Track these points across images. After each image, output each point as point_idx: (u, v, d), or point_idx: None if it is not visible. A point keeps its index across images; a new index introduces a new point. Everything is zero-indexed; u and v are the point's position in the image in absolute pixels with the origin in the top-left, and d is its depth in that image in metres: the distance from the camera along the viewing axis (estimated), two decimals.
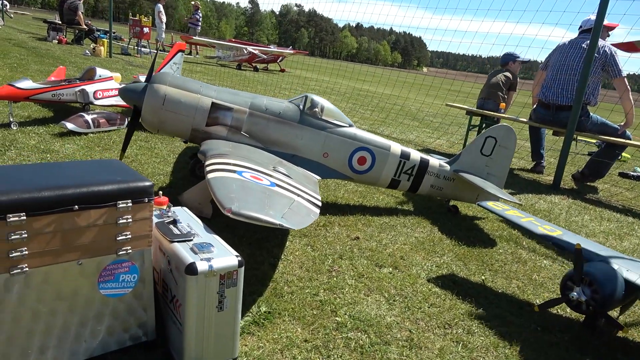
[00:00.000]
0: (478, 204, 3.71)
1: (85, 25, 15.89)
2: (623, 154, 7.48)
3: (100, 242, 1.74)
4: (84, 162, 2.17)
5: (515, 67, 7.45)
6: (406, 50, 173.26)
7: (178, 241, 1.90)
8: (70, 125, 4.88)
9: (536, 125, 6.61)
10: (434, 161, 4.14)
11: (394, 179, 4.00)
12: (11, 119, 4.82)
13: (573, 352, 2.40)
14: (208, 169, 2.65)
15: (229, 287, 1.84)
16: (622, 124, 5.87)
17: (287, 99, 3.86)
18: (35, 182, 1.64)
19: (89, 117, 5.10)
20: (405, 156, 3.98)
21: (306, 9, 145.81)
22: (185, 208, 2.29)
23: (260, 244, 3.07)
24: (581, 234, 4.15)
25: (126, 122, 5.43)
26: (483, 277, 3.13)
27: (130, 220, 1.78)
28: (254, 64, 19.12)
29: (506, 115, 7.11)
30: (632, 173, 7.15)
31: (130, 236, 1.80)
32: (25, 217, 1.54)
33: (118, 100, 5.59)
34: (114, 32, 15.99)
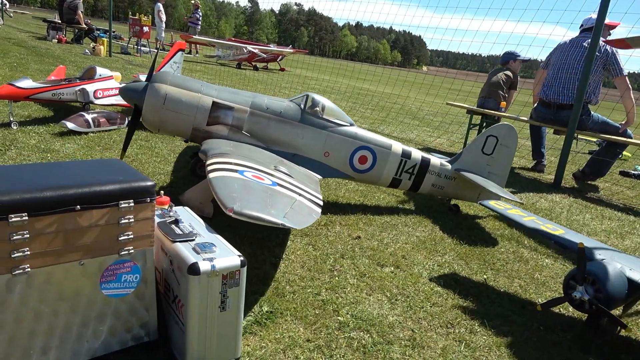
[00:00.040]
0: (480, 203, 3.71)
1: (85, 24, 15.89)
2: (624, 152, 7.48)
3: (102, 242, 1.73)
4: (86, 162, 2.16)
5: (516, 65, 7.44)
6: (406, 49, 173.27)
7: (180, 241, 1.89)
8: (70, 125, 4.87)
9: (537, 124, 6.60)
10: (435, 160, 4.13)
11: (395, 178, 3.99)
12: (11, 119, 4.81)
13: (576, 351, 2.39)
14: (209, 168, 2.64)
15: (231, 287, 1.83)
16: (623, 122, 5.86)
17: (288, 98, 3.85)
18: (37, 182, 1.63)
19: (89, 117, 5.09)
20: (406, 155, 3.98)
21: (306, 7, 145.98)
22: (186, 208, 2.28)
23: (261, 243, 3.07)
24: (582, 232, 4.15)
25: (126, 122, 5.42)
26: (485, 276, 3.12)
27: (133, 220, 1.77)
28: (253, 63, 19.10)
29: (507, 114, 7.11)
30: (633, 172, 7.14)
31: (132, 236, 1.79)
32: (27, 218, 1.53)
33: (118, 100, 5.59)
34: (113, 31, 15.98)
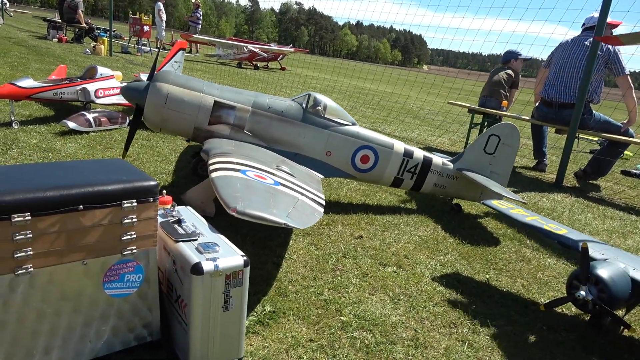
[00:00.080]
0: (483, 203, 3.70)
1: (85, 23, 15.86)
2: (626, 151, 7.47)
3: (105, 242, 1.73)
4: (88, 162, 2.15)
5: (517, 64, 7.42)
6: (406, 48, 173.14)
7: (183, 241, 1.88)
8: (71, 124, 4.86)
9: (538, 123, 6.59)
10: (437, 159, 4.12)
11: (397, 177, 3.98)
12: (12, 118, 4.80)
13: (579, 351, 2.39)
14: (212, 168, 2.64)
15: (234, 287, 1.83)
16: (625, 121, 5.85)
17: (290, 97, 3.85)
18: (40, 182, 1.63)
19: (90, 116, 5.08)
20: (408, 154, 3.97)
21: (306, 6, 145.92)
22: (189, 207, 2.27)
23: (263, 243, 3.06)
24: (584, 232, 4.14)
25: (127, 121, 5.42)
26: (487, 276, 3.12)
27: (135, 220, 1.77)
28: (254, 62, 19.09)
29: (508, 113, 7.09)
30: (634, 171, 7.13)
31: (135, 236, 1.79)
32: (30, 217, 1.53)
33: (119, 99, 5.58)
34: (114, 31, 15.96)
